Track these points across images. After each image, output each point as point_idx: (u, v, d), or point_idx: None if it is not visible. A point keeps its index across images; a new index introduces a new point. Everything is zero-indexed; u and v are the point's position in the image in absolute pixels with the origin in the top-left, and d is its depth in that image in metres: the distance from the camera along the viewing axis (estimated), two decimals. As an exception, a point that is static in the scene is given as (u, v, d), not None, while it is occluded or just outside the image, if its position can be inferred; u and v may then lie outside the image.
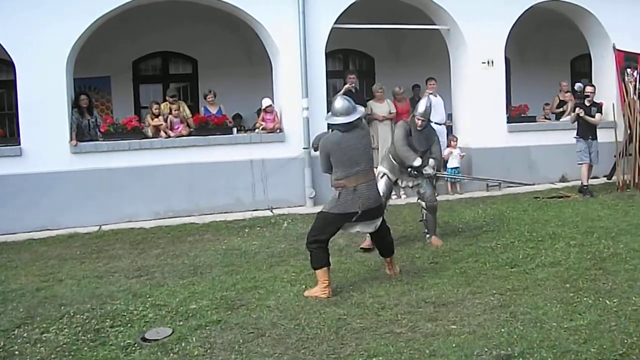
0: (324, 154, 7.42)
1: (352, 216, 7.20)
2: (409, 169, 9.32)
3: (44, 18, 11.62)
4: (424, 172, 9.34)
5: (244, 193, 12.71)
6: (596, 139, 13.18)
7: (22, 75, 11.62)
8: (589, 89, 13.60)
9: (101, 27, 12.50)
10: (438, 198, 13.17)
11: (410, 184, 9.58)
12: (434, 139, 9.56)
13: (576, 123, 13.30)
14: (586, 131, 13.13)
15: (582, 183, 13.16)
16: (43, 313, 6.80)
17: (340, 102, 7.50)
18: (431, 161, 9.39)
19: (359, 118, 7.48)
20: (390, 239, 7.81)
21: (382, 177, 9.38)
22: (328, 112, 13.74)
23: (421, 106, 9.33)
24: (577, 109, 13.25)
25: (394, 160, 9.43)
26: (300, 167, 12.94)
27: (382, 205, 7.54)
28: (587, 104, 13.29)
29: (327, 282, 7.08)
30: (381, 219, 7.58)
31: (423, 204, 9.53)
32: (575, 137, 13.28)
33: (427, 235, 9.52)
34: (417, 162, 9.18)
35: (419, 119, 9.24)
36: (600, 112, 13.38)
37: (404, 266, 8.10)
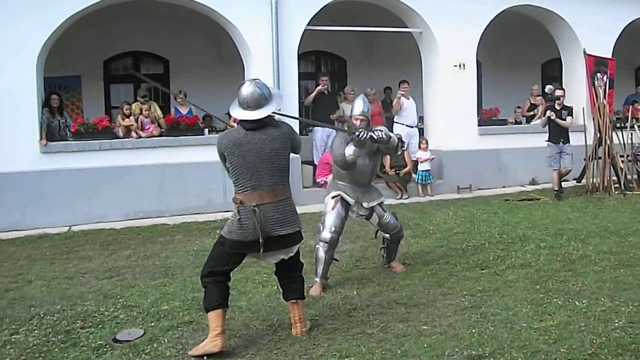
0: (220, 156, 5.73)
1: (253, 246, 5.55)
2: (354, 136, 7.06)
3: (14, 16, 11.50)
4: (372, 134, 7.15)
5: (216, 194, 12.63)
6: (569, 142, 13.17)
7: (-9, 73, 11.51)
8: (559, 92, 13.59)
9: (72, 26, 12.42)
10: (409, 200, 13.34)
11: (363, 211, 7.78)
12: None
13: (547, 127, 13.34)
14: (557, 135, 13.14)
15: (553, 188, 13.23)
16: (12, 314, 6.72)
17: (249, 88, 5.61)
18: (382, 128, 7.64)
19: (270, 115, 5.74)
20: (298, 277, 6.03)
21: (334, 205, 7.56)
22: (300, 114, 14.00)
23: (359, 106, 7.66)
24: (548, 111, 13.23)
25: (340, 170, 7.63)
26: (272, 168, 12.88)
27: (297, 233, 5.81)
28: (557, 107, 13.27)
29: (218, 329, 5.45)
30: (296, 248, 5.88)
31: (387, 235, 7.98)
32: (547, 142, 13.32)
33: (386, 261, 8.19)
34: (349, 149, 7.21)
35: (357, 119, 7.55)
36: (571, 115, 13.37)
37: (375, 267, 8.11)
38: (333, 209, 7.52)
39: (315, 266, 7.43)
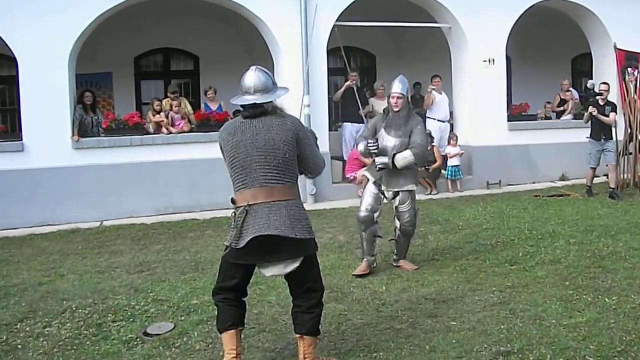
0: (220, 150, 5.06)
1: (247, 254, 4.77)
2: (368, 142, 7.69)
3: (47, 14, 11.63)
4: (376, 161, 7.65)
5: (245, 189, 12.66)
6: (611, 138, 12.77)
7: (24, 70, 11.63)
8: (602, 87, 13.05)
9: (103, 23, 12.53)
10: (438, 196, 13.30)
11: (390, 195, 7.81)
12: (415, 125, 7.74)
13: (589, 123, 12.85)
14: (599, 131, 12.67)
15: (586, 184, 12.94)
16: (45, 307, 6.83)
17: (254, 74, 5.00)
18: (406, 152, 7.59)
19: (269, 101, 4.95)
20: (312, 302, 4.97)
21: (364, 183, 7.99)
22: (329, 109, 14.01)
23: (395, 83, 7.69)
24: (590, 107, 12.70)
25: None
26: (301, 164, 12.89)
27: (302, 242, 4.82)
28: (600, 102, 12.77)
29: (232, 352, 4.92)
30: (298, 261, 4.83)
31: (397, 224, 7.90)
32: (587, 138, 12.88)
33: (395, 258, 8.05)
34: (361, 145, 7.80)
35: (393, 97, 7.62)
36: (615, 112, 12.88)
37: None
38: (364, 188, 8.03)
39: (361, 245, 7.92)
